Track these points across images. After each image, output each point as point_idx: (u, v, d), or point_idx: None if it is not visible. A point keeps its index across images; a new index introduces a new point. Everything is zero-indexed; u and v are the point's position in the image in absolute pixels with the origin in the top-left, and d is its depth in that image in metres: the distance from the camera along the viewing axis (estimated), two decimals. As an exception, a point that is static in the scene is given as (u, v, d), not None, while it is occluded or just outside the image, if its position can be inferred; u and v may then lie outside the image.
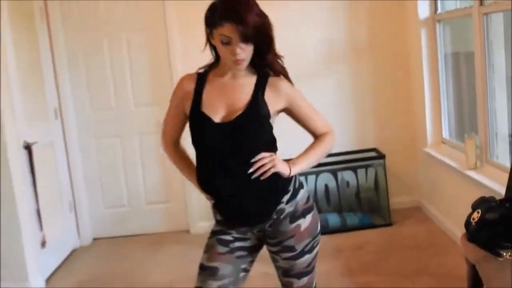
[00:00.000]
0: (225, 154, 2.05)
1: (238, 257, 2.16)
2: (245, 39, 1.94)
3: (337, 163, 4.75)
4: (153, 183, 5.03)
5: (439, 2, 4.32)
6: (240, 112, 2.04)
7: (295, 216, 2.13)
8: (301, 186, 2.18)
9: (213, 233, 2.20)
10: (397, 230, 4.48)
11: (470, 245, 2.47)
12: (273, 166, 2.02)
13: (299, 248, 2.15)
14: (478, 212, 2.49)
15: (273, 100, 2.09)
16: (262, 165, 2.01)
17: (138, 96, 4.91)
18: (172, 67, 4.77)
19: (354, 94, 4.87)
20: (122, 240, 4.97)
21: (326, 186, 4.77)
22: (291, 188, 2.12)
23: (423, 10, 4.39)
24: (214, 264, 2.14)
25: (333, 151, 4.68)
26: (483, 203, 2.53)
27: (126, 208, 5.05)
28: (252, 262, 2.24)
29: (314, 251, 2.22)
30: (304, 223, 2.15)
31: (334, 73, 4.83)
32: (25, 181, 4.03)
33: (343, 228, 4.57)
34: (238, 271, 2.17)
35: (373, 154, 4.81)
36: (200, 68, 2.17)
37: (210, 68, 2.15)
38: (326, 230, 4.53)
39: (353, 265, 3.93)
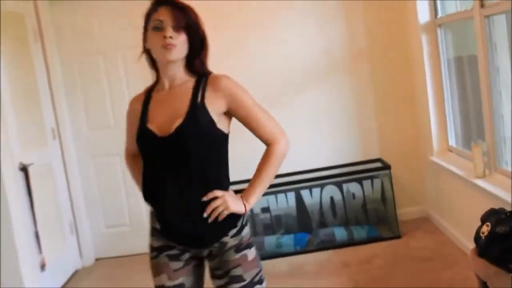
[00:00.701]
0: (170, 170, 1.94)
1: (195, 266, 2.09)
2: (177, 22, 1.91)
3: (342, 175, 4.64)
4: (155, 201, 4.91)
5: (439, 6, 4.21)
6: (179, 123, 1.92)
7: (240, 248, 2.00)
8: (247, 223, 2.06)
9: (157, 249, 2.05)
10: (406, 242, 4.34)
11: (480, 261, 2.33)
12: (226, 208, 1.92)
13: (248, 277, 1.99)
14: (487, 225, 2.35)
15: (214, 101, 1.95)
16: (215, 208, 1.92)
17: (137, 113, 4.81)
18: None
19: (356, 103, 4.75)
20: (125, 259, 4.86)
21: (332, 199, 4.65)
22: (239, 223, 2.01)
23: (423, 14, 4.28)
24: (178, 281, 2.05)
25: (338, 163, 4.73)
26: (493, 215, 2.38)
27: (127, 227, 4.95)
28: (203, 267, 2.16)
29: (264, 284, 2.06)
30: (250, 253, 2.02)
31: (335, 83, 4.72)
32: (22, 203, 3.94)
33: (351, 242, 4.43)
34: (200, 279, 2.13)
35: (378, 164, 4.69)
36: (146, 88, 2.15)
37: (154, 85, 2.11)
38: (333, 244, 4.42)
39: (361, 280, 3.79)
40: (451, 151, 4.31)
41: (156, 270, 2.06)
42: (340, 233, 4.52)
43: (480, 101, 3.61)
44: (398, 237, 4.43)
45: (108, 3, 4.69)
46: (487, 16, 3.32)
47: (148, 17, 1.98)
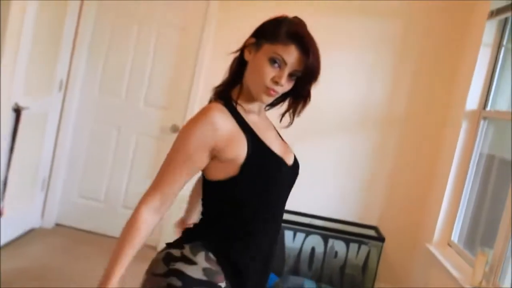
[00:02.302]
0: (279, 209, 1.73)
1: None
2: (297, 71, 1.60)
3: (332, 230, 4.39)
4: (137, 188, 4.65)
5: (490, 99, 4.00)
6: (291, 154, 1.74)
7: None
8: None
9: None
10: (373, 321, 4.09)
11: None
12: None
13: None
14: None
15: None
16: None
17: (151, 95, 4.59)
18: (196, 76, 4.46)
19: (372, 165, 4.52)
20: (85, 235, 4.60)
21: (313, 249, 4.39)
22: None
23: (472, 102, 4.05)
24: None
25: (331, 216, 4.48)
26: None
27: (100, 203, 4.69)
28: None
29: None
30: None
31: (359, 138, 4.49)
32: (3, 145, 3.69)
33: (317, 301, 4.18)
34: None
35: (372, 233, 4.44)
36: (216, 95, 1.70)
37: (229, 94, 1.68)
38: (299, 297, 4.17)
39: None
40: (450, 246, 4.07)
41: None
42: (310, 287, 4.25)
43: (497, 207, 3.39)
44: (366, 313, 4.17)
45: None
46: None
47: (270, 39, 1.59)
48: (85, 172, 4.67)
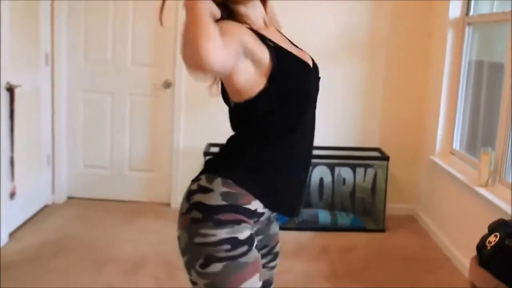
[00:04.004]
0: (312, 116, 1.71)
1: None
2: None
3: (336, 158, 4.48)
4: (139, 149, 4.72)
5: (472, 4, 4.02)
6: (309, 57, 1.72)
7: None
8: None
9: (249, 240, 1.56)
10: (389, 238, 4.21)
11: (481, 271, 2.20)
12: None
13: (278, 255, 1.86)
14: (495, 236, 2.22)
15: None
16: None
17: (137, 54, 4.58)
18: (178, 29, 4.44)
19: (366, 88, 4.57)
20: (98, 203, 4.67)
21: (321, 180, 4.49)
22: None
23: (454, 10, 4.08)
24: (265, 278, 1.76)
25: (335, 144, 4.55)
26: (503, 226, 2.25)
27: (107, 170, 4.75)
28: None
29: None
30: None
31: (349, 64, 4.53)
32: (3, 125, 3.71)
33: (333, 227, 4.30)
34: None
35: (376, 154, 4.53)
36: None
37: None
38: (316, 226, 4.28)
39: (339, 269, 3.65)
40: (453, 154, 4.17)
41: (254, 268, 1.57)
42: (324, 216, 4.37)
43: (492, 109, 3.46)
44: (382, 230, 4.30)
45: None
46: (526, 21, 3.15)
47: None
48: (87, 142, 4.71)
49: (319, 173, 4.47)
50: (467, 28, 4.04)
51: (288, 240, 4.07)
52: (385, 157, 4.36)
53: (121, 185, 4.74)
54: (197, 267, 1.53)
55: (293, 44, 1.76)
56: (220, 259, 1.50)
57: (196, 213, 1.54)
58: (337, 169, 4.49)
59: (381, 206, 4.37)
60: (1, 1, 3.57)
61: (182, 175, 4.59)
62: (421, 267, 3.71)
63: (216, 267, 1.50)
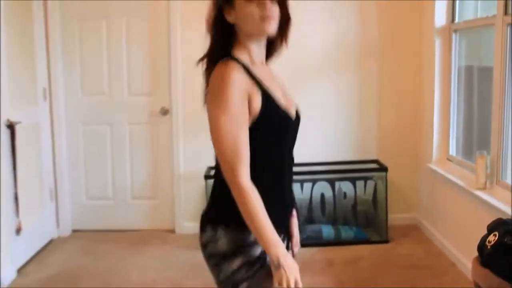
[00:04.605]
0: (290, 158, 1.88)
1: None
2: None
3: (335, 172, 4.53)
4: (141, 177, 4.77)
5: (457, 11, 4.11)
6: (293, 105, 1.84)
7: None
8: None
9: (260, 259, 1.73)
10: (393, 248, 4.25)
11: (483, 271, 2.23)
12: None
13: None
14: (495, 235, 2.26)
15: None
16: None
17: (133, 84, 4.66)
18: (172, 57, 4.54)
19: (359, 101, 4.64)
20: (103, 234, 4.70)
21: (322, 196, 4.53)
22: None
23: (440, 18, 4.17)
24: None
25: (333, 159, 4.61)
26: (501, 225, 2.29)
27: (110, 201, 4.79)
28: None
29: None
30: None
31: (341, 77, 4.61)
32: (5, 162, 3.77)
33: (337, 241, 4.33)
34: None
35: (374, 166, 4.58)
36: (215, 59, 1.73)
37: (230, 54, 1.73)
38: (320, 241, 4.31)
39: (344, 280, 3.69)
40: (450, 161, 4.22)
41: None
42: (327, 231, 4.40)
43: (485, 113, 3.53)
44: (386, 241, 4.33)
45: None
46: (510, 24, 3.22)
47: None
48: (88, 174, 4.76)
49: (319, 189, 4.51)
50: (453, 35, 4.12)
51: (293, 256, 4.10)
52: (383, 168, 4.41)
53: (124, 214, 4.78)
54: None
55: (281, 85, 1.87)
56: (243, 280, 1.72)
57: (213, 260, 1.77)
58: (337, 184, 4.54)
59: (383, 217, 4.40)
60: (-2, 40, 3.66)
61: (184, 200, 4.64)
62: (426, 274, 3.74)
63: (243, 286, 1.73)
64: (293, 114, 1.81)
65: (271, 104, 1.70)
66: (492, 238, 2.28)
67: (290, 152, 1.87)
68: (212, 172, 4.24)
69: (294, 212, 1.99)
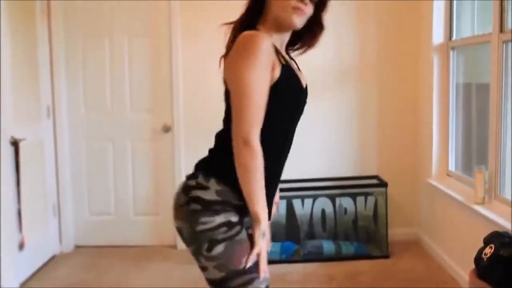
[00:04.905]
0: (292, 137, 1.93)
1: None
2: None
3: (336, 188, 4.57)
4: (143, 193, 4.81)
5: (454, 29, 4.17)
6: (304, 80, 1.93)
7: None
8: None
9: (240, 222, 1.79)
10: (394, 263, 4.26)
11: (480, 283, 2.27)
12: None
13: None
14: (491, 247, 2.30)
15: None
16: None
17: (135, 101, 4.73)
18: (173, 74, 4.60)
19: (359, 118, 4.69)
20: (105, 250, 4.73)
21: (323, 211, 4.56)
22: None
23: (438, 35, 4.23)
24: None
25: (333, 175, 4.65)
26: (497, 237, 2.34)
27: (112, 216, 4.83)
28: None
29: None
30: None
31: (340, 94, 4.67)
32: (9, 178, 3.81)
33: (338, 256, 4.35)
34: None
35: (374, 181, 4.62)
36: (244, 28, 1.80)
37: (257, 28, 1.83)
38: (320, 257, 4.34)
39: (346, 295, 3.71)
40: (449, 176, 4.25)
41: (247, 245, 1.75)
42: (328, 246, 4.43)
43: (484, 129, 3.57)
44: (386, 256, 4.35)
45: (121, -13, 4.62)
46: (506, 42, 3.28)
47: None
48: (91, 190, 4.80)
49: (320, 205, 4.55)
50: (451, 52, 4.18)
51: (294, 271, 4.13)
52: (383, 184, 4.45)
53: (127, 230, 4.81)
54: (204, 252, 1.74)
55: (297, 65, 1.99)
56: (221, 240, 1.73)
57: (195, 205, 1.76)
58: (337, 200, 4.57)
59: (384, 232, 4.43)
60: (2, 58, 3.72)
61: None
62: (427, 289, 3.76)
63: (219, 248, 1.73)
64: (304, 85, 1.92)
65: (289, 72, 1.80)
66: (488, 251, 2.33)
67: (294, 130, 1.92)
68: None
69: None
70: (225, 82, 1.83)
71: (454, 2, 4.17)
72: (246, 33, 1.73)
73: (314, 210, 4.55)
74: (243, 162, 1.66)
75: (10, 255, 3.75)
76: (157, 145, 4.74)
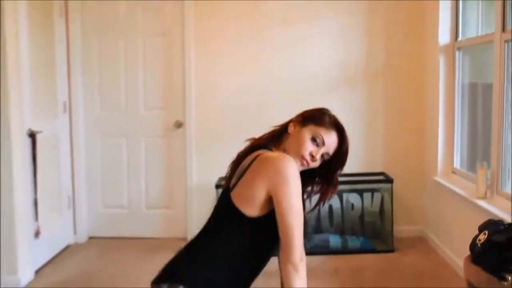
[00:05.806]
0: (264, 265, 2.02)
1: None
2: (329, 154, 1.93)
3: (343, 184, 4.66)
4: (155, 187, 4.95)
5: (460, 29, 4.26)
6: None
7: None
8: None
9: None
10: (399, 258, 4.35)
11: (474, 267, 2.34)
12: None
13: None
14: (484, 234, 2.37)
15: None
16: None
17: (149, 99, 4.88)
18: (186, 73, 4.74)
19: (366, 116, 4.79)
20: (118, 242, 4.87)
21: (330, 207, 4.67)
22: None
23: (444, 36, 4.32)
24: None
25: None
26: (491, 225, 2.40)
27: (125, 209, 4.97)
28: None
29: None
30: None
31: (347, 94, 4.77)
32: (26, 169, 3.97)
33: (344, 250, 4.45)
34: None
35: (380, 178, 4.71)
36: (261, 147, 1.97)
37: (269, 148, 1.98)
38: (327, 250, 4.43)
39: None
40: (455, 173, 4.33)
41: None
42: (334, 240, 4.53)
43: (489, 127, 3.64)
44: (391, 251, 4.44)
45: (138, -12, 4.78)
46: (508, 41, 3.36)
47: (319, 120, 1.96)
48: (105, 183, 4.96)
49: (328, 200, 4.63)
50: (457, 53, 4.27)
51: (300, 264, 4.22)
52: (389, 180, 4.54)
53: (139, 223, 4.95)
54: None
55: None
56: None
57: None
58: (345, 195, 4.67)
59: (389, 228, 4.51)
60: (22, 57, 3.88)
61: (197, 210, 4.79)
62: (431, 283, 3.83)
63: None
64: None
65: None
66: (482, 237, 2.40)
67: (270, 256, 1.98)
68: (222, 182, 4.43)
69: None
70: (227, 190, 1.91)
71: (460, 3, 4.26)
72: (281, 156, 1.85)
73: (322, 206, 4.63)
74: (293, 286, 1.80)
75: (26, 243, 3.91)
76: (170, 141, 4.87)
